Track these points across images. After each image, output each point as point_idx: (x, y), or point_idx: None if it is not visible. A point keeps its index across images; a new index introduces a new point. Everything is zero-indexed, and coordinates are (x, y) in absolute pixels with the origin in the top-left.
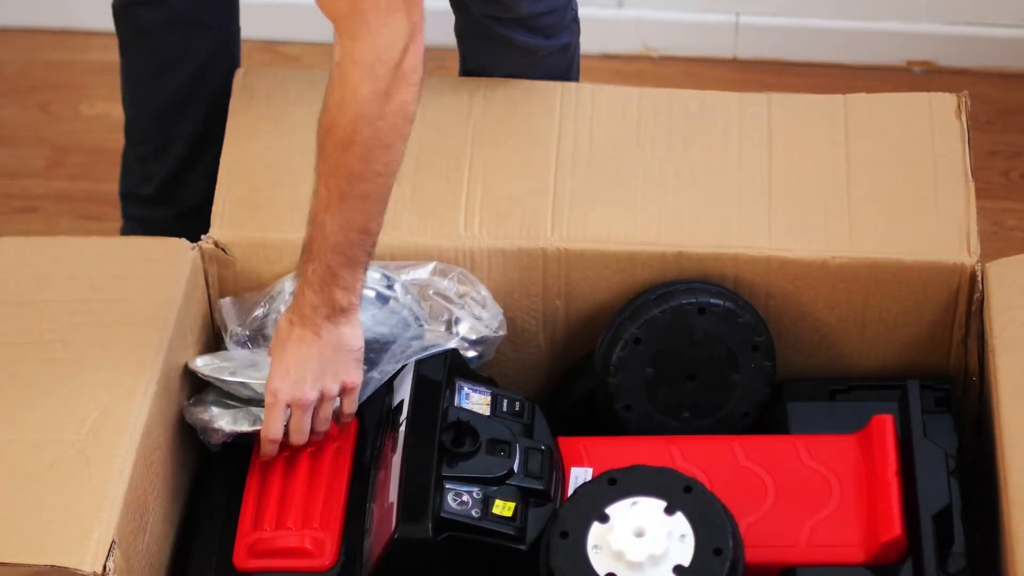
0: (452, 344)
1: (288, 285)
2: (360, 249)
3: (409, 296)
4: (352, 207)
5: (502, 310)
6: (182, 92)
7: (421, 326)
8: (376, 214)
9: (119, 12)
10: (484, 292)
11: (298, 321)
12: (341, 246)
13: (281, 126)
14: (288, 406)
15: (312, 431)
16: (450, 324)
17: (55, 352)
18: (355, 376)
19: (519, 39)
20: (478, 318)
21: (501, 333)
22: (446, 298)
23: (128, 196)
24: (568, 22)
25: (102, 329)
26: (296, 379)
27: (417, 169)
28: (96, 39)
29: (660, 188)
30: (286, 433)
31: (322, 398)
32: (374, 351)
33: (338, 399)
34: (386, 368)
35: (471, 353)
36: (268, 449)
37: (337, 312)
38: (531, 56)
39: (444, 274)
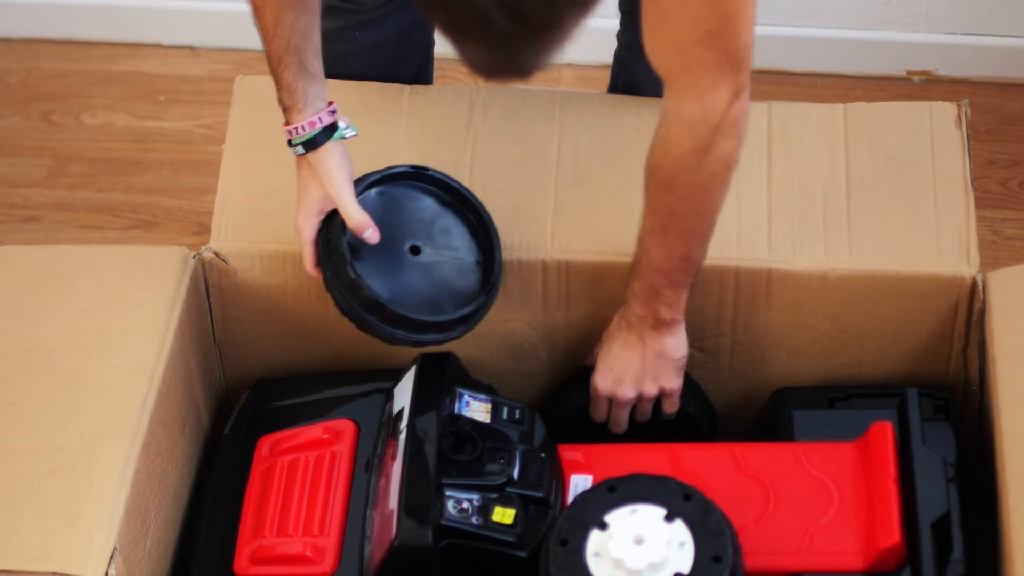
0: None
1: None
2: (684, 273)
3: None
4: (674, 239)
5: None
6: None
7: None
8: (697, 245)
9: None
10: None
11: (625, 327)
12: (664, 270)
13: (281, 136)
14: (608, 400)
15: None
16: None
17: (56, 360)
18: (674, 382)
19: None
20: None
21: None
22: None
23: None
24: None
25: (103, 337)
26: (616, 378)
27: None
28: (98, 49)
29: None
30: None
31: (641, 397)
32: None
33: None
34: None
35: None
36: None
37: (661, 324)
38: None
39: None
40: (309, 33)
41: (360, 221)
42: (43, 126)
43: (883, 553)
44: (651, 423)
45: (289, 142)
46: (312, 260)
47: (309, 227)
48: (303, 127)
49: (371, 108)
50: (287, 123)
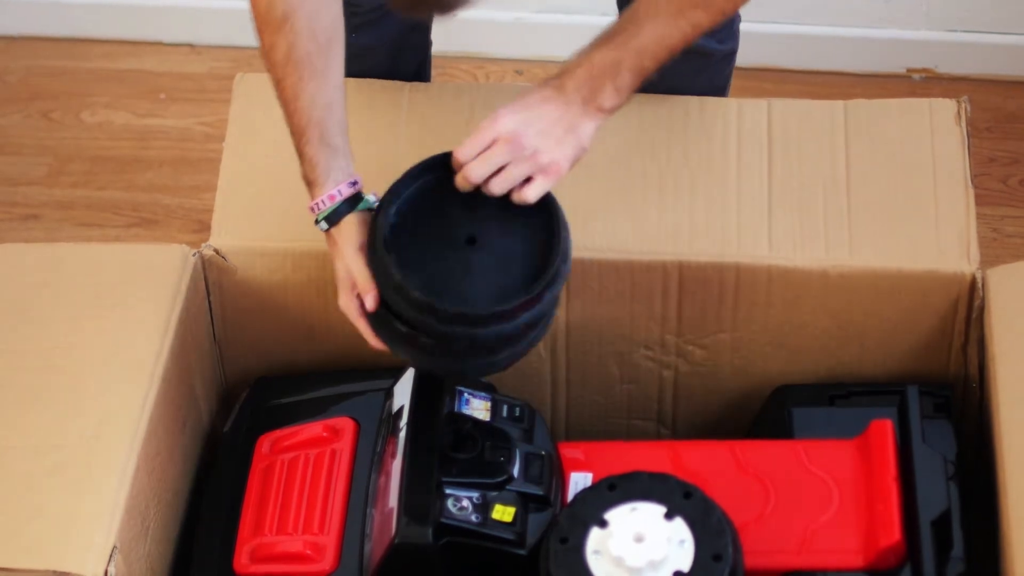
0: None
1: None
2: (656, 63)
3: None
4: (678, 25)
5: None
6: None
7: None
8: (689, 42)
9: None
10: None
11: (555, 87)
12: (643, 52)
13: (281, 133)
14: (496, 140)
15: (485, 183)
16: None
17: (56, 358)
18: (564, 165)
19: (698, 42)
20: None
21: None
22: None
23: None
24: (736, 28)
25: (103, 336)
26: (524, 120)
27: None
28: (98, 47)
29: (660, 196)
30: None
31: (524, 155)
32: None
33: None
34: None
35: None
36: (460, 180)
37: (593, 105)
38: (703, 61)
39: None
40: (332, 106)
41: (363, 290)
42: (43, 124)
43: (883, 551)
44: (499, 209)
45: (316, 221)
46: (372, 334)
47: (352, 306)
48: (323, 202)
49: (372, 106)
50: (311, 198)
